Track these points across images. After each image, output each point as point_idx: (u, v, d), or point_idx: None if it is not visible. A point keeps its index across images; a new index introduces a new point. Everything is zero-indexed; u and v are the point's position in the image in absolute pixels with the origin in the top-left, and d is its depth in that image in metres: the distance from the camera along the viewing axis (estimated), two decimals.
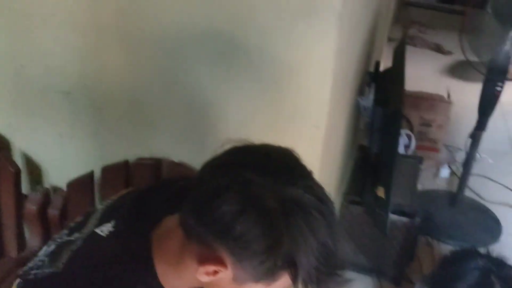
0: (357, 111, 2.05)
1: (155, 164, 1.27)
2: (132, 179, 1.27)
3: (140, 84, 1.30)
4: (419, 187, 2.76)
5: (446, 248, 2.36)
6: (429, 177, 2.92)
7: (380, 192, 1.81)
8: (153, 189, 0.96)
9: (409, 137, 2.74)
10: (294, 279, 0.74)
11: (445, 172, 2.89)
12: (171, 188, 0.95)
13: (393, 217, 2.01)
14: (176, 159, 1.26)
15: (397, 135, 1.65)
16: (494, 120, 2.36)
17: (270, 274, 0.74)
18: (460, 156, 2.95)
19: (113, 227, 0.86)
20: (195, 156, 0.75)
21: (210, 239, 0.74)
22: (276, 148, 0.79)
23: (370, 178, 1.97)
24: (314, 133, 1.13)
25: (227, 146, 0.78)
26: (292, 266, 0.73)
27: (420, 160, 2.38)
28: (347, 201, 2.03)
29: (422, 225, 2.43)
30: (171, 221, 0.85)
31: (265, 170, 0.73)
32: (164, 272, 0.83)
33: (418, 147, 3.03)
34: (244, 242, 0.71)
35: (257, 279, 0.76)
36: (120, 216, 0.89)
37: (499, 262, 1.17)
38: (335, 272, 0.76)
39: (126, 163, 1.27)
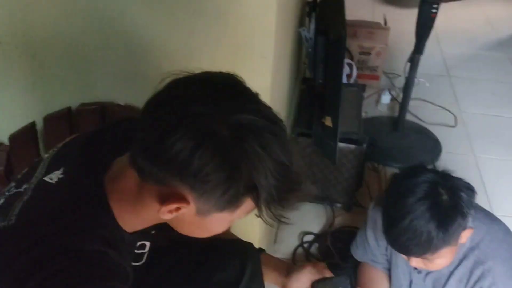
0: (299, 42, 2.04)
1: (99, 109, 1.23)
2: (77, 126, 1.22)
3: (74, 27, 1.22)
4: (363, 114, 2.83)
5: (391, 171, 2.46)
6: (371, 105, 2.99)
7: (327, 121, 1.83)
8: (99, 132, 0.93)
9: (350, 66, 2.77)
10: (257, 202, 0.75)
11: (386, 98, 2.97)
12: (117, 130, 0.92)
13: (340, 145, 2.05)
14: (122, 102, 1.22)
15: (341, 62, 1.65)
16: (429, 45, 2.41)
17: (233, 201, 0.75)
18: (400, 82, 3.03)
19: (62, 173, 0.83)
20: (141, 97, 0.72)
21: (167, 178, 0.73)
22: (218, 74, 0.77)
23: (317, 109, 1.98)
24: (262, 64, 1.12)
25: (168, 80, 0.76)
26: (253, 190, 0.73)
27: (362, 88, 2.42)
28: (295, 133, 2.05)
29: (367, 151, 2.51)
30: (122, 163, 0.83)
31: (211, 100, 0.72)
32: (121, 213, 0.82)
33: (359, 76, 3.08)
34: (203, 176, 0.71)
35: (221, 209, 0.76)
36: (68, 162, 0.86)
37: (445, 175, 1.22)
38: (294, 187, 0.77)
39: (69, 110, 1.21)
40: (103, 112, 1.23)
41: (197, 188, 0.72)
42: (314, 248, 2.03)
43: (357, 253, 1.62)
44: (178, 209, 0.76)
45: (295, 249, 2.01)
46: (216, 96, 0.73)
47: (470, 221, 1.29)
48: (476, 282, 1.32)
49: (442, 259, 1.24)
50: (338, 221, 2.14)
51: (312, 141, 1.99)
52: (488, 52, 3.82)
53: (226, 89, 0.75)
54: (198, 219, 0.78)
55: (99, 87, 1.28)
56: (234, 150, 0.71)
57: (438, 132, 2.76)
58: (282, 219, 0.79)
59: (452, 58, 3.65)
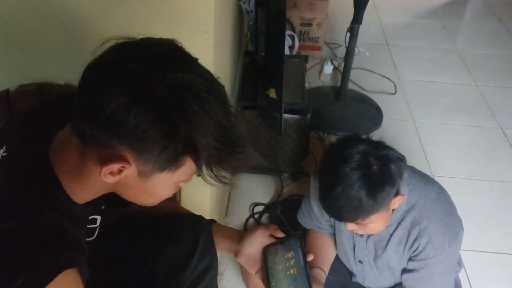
0: (240, 16, 2.04)
1: (39, 89, 1.19)
2: (16, 108, 1.19)
3: (8, 9, 1.17)
4: (306, 85, 2.87)
5: (335, 139, 2.52)
6: (314, 75, 3.04)
7: (272, 93, 1.86)
8: (39, 108, 0.92)
9: (292, 37, 2.79)
10: (197, 162, 0.76)
11: (328, 68, 3.02)
12: (58, 105, 0.91)
13: (285, 116, 2.08)
14: (61, 82, 1.19)
15: (282, 34, 1.67)
16: (368, 15, 2.47)
17: (173, 160, 0.75)
18: (341, 52, 3.09)
19: (5, 151, 0.82)
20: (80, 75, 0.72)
21: (106, 138, 0.73)
22: (158, 39, 0.78)
23: (261, 82, 2.00)
24: (204, 38, 1.12)
25: (109, 45, 0.76)
26: (193, 150, 0.75)
27: (305, 58, 2.45)
28: (240, 107, 2.07)
29: (312, 121, 2.56)
30: (64, 134, 0.83)
31: (150, 60, 0.73)
32: (69, 184, 0.82)
33: (301, 47, 3.12)
34: (140, 133, 0.71)
35: (161, 169, 0.77)
36: (10, 139, 0.85)
37: (377, 145, 1.27)
38: (235, 150, 0.79)
39: (6, 92, 1.17)
40: (42, 92, 1.20)
41: (136, 147, 0.73)
42: (264, 218, 2.08)
43: (303, 220, 1.67)
44: (120, 171, 0.76)
45: (246, 220, 2.05)
46: (154, 57, 0.74)
47: (404, 186, 1.36)
48: (414, 241, 1.39)
49: (374, 224, 1.30)
50: (287, 190, 2.19)
51: (257, 114, 2.02)
52: (424, 20, 3.95)
53: (165, 52, 0.76)
54: (142, 182, 0.79)
55: (38, 68, 1.24)
56: (171, 108, 0.71)
57: (379, 100, 2.84)
58: (224, 180, 0.81)
59: (390, 27, 3.75)
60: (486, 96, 2.98)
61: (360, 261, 1.54)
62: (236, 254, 1.13)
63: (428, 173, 2.31)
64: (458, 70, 3.24)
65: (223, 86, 0.80)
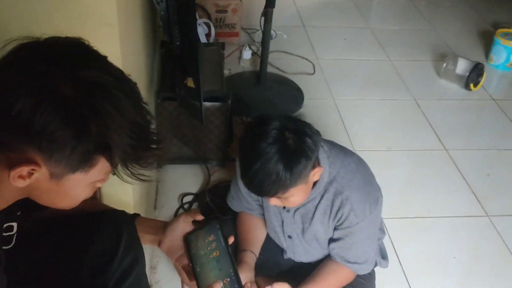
0: (151, 6, 2.00)
1: None
2: None
3: None
4: (227, 72, 2.89)
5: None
6: (234, 61, 3.05)
7: (190, 82, 1.85)
8: None
9: (207, 25, 2.78)
10: (111, 161, 0.76)
11: (247, 54, 3.04)
12: None
13: (206, 104, 2.09)
14: None
15: (193, 22, 1.66)
16: None
17: (85, 160, 0.75)
18: (259, 36, 3.11)
19: None
20: None
21: (14, 141, 0.71)
22: (63, 38, 0.76)
23: (178, 71, 1.99)
24: (108, 31, 1.09)
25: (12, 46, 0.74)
26: (105, 149, 0.74)
27: (222, 45, 2.45)
28: (160, 98, 2.05)
29: (234, 107, 2.58)
30: None
31: (55, 60, 0.71)
32: None
33: (218, 34, 3.11)
34: (48, 134, 0.70)
35: (74, 169, 0.75)
36: None
37: (292, 121, 1.31)
38: (151, 146, 0.79)
39: None
40: None
41: (45, 148, 0.72)
42: (194, 207, 2.08)
43: (233, 204, 1.69)
44: (30, 174, 0.74)
45: (176, 211, 2.05)
46: (60, 57, 0.72)
47: (325, 159, 1.42)
48: (337, 211, 1.45)
49: (295, 197, 1.34)
50: (215, 177, 2.20)
51: (178, 104, 2.01)
52: (337, 0, 4.05)
53: (71, 50, 0.75)
54: (55, 185, 0.77)
55: None
56: (80, 107, 0.70)
57: (299, 81, 2.91)
58: (142, 177, 0.81)
59: (305, 9, 3.82)
60: (399, 70, 3.11)
61: (289, 236, 1.58)
62: (159, 243, 1.13)
63: (350, 147, 2.40)
64: (372, 47, 3.36)
65: (135, 84, 0.79)
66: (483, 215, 2.14)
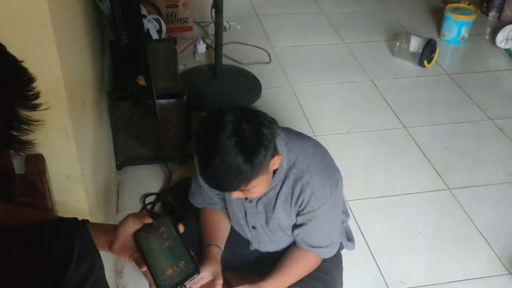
0: (95, 6, 1.94)
1: None
2: None
3: None
4: (182, 67, 2.85)
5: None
6: (189, 56, 3.01)
7: (141, 80, 1.81)
8: None
9: (158, 21, 2.73)
10: None
11: (201, 47, 3.00)
12: None
13: (161, 101, 2.05)
14: None
15: (139, 17, 1.62)
16: None
17: None
18: (212, 29, 3.08)
19: None
20: None
21: None
22: None
23: (129, 70, 1.94)
24: (42, 33, 1.05)
25: None
26: None
27: (174, 40, 2.41)
28: (112, 99, 2.00)
29: (191, 102, 2.55)
30: None
31: None
32: None
33: (171, 30, 3.06)
34: None
35: None
36: None
37: (248, 112, 1.29)
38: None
39: None
40: None
41: None
42: (157, 207, 2.05)
43: (195, 200, 1.66)
44: None
45: None
46: None
47: (282, 146, 1.41)
48: (298, 196, 1.45)
49: (257, 188, 1.33)
50: (176, 175, 2.16)
51: (131, 103, 1.96)
52: None
53: None
54: None
55: None
56: None
57: (256, 71, 2.89)
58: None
59: None
60: (355, 52, 3.13)
61: (254, 227, 1.57)
62: (110, 246, 1.09)
63: (310, 134, 2.42)
64: (327, 31, 3.36)
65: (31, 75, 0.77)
66: (444, 189, 2.18)
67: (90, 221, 1.15)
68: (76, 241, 1.04)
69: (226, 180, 1.24)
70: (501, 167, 2.29)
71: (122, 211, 2.02)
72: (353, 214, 2.03)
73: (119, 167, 2.18)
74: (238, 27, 3.30)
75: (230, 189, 1.29)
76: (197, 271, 1.05)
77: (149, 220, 1.10)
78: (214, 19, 2.58)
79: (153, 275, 1.04)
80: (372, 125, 2.53)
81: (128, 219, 1.10)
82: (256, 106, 1.34)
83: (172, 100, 2.08)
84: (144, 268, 1.06)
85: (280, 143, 1.41)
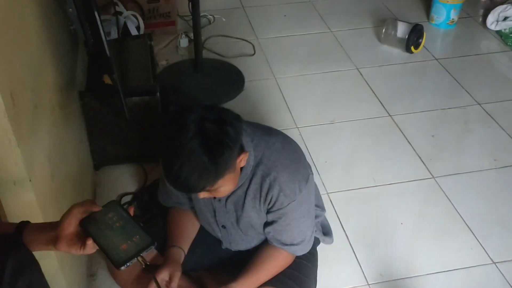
0: (58, 6, 1.90)
1: None
2: None
3: None
4: (164, 63, 2.81)
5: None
6: (173, 51, 2.97)
7: (107, 79, 1.77)
8: None
9: (136, 17, 2.69)
10: None
11: (184, 42, 2.96)
12: None
13: (134, 99, 2.02)
14: None
15: (94, 15, 1.57)
16: None
17: None
18: None
19: None
20: None
21: None
22: None
23: (97, 69, 1.91)
24: None
25: None
26: None
27: (149, 36, 2.37)
28: (84, 98, 1.97)
29: (172, 98, 2.52)
30: None
31: None
32: None
33: (154, 25, 3.03)
34: None
35: None
36: None
37: (211, 109, 1.25)
38: None
39: None
40: None
41: None
42: (134, 207, 2.01)
43: (163, 199, 1.64)
44: None
45: None
46: None
47: (249, 142, 1.37)
48: (266, 193, 1.41)
49: (224, 187, 1.30)
50: (153, 175, 2.13)
51: (101, 103, 1.93)
52: None
53: None
54: None
55: None
56: None
57: (240, 63, 2.84)
58: None
59: None
60: (341, 41, 3.06)
61: (224, 226, 1.54)
62: (55, 243, 1.03)
63: (293, 126, 2.38)
64: (313, 20, 3.30)
65: None
66: (428, 177, 2.13)
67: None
68: (8, 260, 0.98)
69: (192, 182, 1.20)
70: (487, 153, 2.24)
71: None
72: (333, 207, 1.99)
73: (97, 167, 2.16)
74: (223, 19, 3.25)
75: (195, 190, 1.26)
76: (152, 243, 1.00)
77: (97, 208, 1.04)
78: (191, 12, 2.53)
79: (106, 251, 0.99)
80: (356, 114, 2.48)
81: (72, 210, 1.02)
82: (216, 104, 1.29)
83: (145, 98, 2.04)
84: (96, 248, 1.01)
85: (246, 139, 1.37)
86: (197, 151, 1.17)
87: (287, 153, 1.45)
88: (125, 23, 2.56)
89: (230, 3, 3.51)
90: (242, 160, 1.32)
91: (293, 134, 2.32)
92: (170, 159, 1.20)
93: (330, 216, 1.88)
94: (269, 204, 1.43)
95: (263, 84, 2.71)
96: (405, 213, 1.98)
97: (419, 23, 2.92)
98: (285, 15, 3.36)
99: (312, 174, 1.51)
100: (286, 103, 2.56)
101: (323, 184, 2.08)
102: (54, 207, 1.41)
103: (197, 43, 2.62)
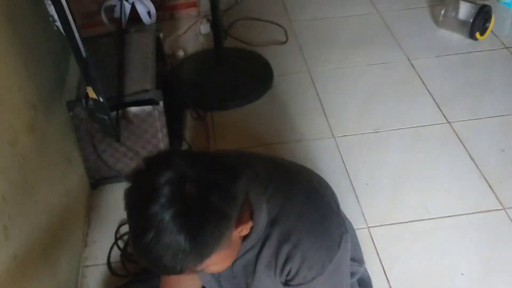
0: (40, 13, 1.55)
1: None
2: None
3: None
4: (181, 54, 2.44)
5: (220, 116, 2.12)
6: (192, 39, 2.58)
7: (91, 92, 1.42)
8: None
9: (141, 2, 2.29)
10: None
11: (205, 28, 2.56)
12: None
13: (133, 110, 1.67)
14: None
15: (62, 10, 1.20)
16: None
17: None
18: (223, 4, 2.64)
19: None
20: None
21: None
22: None
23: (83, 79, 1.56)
24: None
25: None
26: None
27: (157, 27, 1.99)
28: (73, 109, 1.63)
29: (189, 97, 2.17)
30: None
31: None
32: None
33: (172, 8, 2.65)
34: None
35: None
36: None
37: (196, 161, 0.88)
38: None
39: None
40: None
41: None
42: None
43: None
44: None
45: (110, 250, 1.65)
46: None
47: (256, 197, 1.00)
48: (284, 264, 1.05)
49: (217, 266, 0.94)
50: None
51: (89, 118, 1.58)
52: None
53: None
54: None
55: None
56: None
57: (269, 53, 2.43)
58: None
59: None
60: (389, 24, 2.59)
61: None
62: None
63: (328, 134, 1.97)
64: None
65: None
66: (498, 209, 1.69)
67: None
68: None
69: (166, 263, 0.84)
70: None
71: (91, 245, 1.67)
72: (375, 246, 1.60)
73: (94, 186, 1.83)
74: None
75: (173, 272, 0.90)
76: None
77: None
78: None
79: None
80: (407, 120, 2.04)
81: None
82: (208, 152, 0.92)
83: (147, 108, 1.68)
84: None
85: (257, 189, 1.01)
86: (169, 227, 0.81)
87: (313, 208, 1.08)
88: (133, 8, 2.17)
89: None
90: (244, 230, 0.95)
91: (329, 145, 1.92)
92: (138, 227, 0.84)
93: (370, 262, 1.50)
94: (287, 275, 1.07)
95: (295, 79, 2.29)
96: (467, 258, 1.56)
97: (486, 2, 2.42)
98: None
99: (347, 232, 1.12)
100: (321, 104, 2.14)
101: (362, 214, 1.69)
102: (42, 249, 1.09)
103: (216, 29, 2.22)
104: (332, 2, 2.80)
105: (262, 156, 1.22)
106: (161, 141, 1.77)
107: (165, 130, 1.75)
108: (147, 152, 1.76)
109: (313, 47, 2.47)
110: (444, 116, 2.04)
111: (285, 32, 2.58)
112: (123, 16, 2.00)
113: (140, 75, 1.75)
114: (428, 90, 2.17)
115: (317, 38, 2.53)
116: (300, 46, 2.48)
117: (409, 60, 2.35)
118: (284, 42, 2.52)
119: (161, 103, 1.68)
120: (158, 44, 1.96)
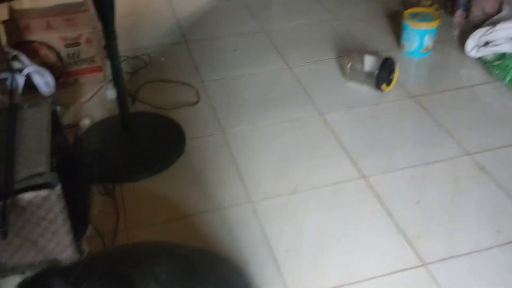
0: None
1: None
2: None
3: None
4: (87, 122, 2.31)
5: (130, 187, 1.99)
6: (99, 105, 2.46)
7: None
8: None
9: (39, 73, 2.16)
10: None
11: (111, 93, 2.45)
12: None
13: (27, 196, 1.51)
14: None
15: None
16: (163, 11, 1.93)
17: None
18: (128, 65, 2.56)
19: None
20: None
21: None
22: None
23: None
24: None
25: None
26: None
27: (52, 100, 1.85)
28: None
29: (95, 170, 2.02)
30: None
31: None
32: None
33: (77, 73, 2.53)
34: None
35: None
36: None
37: (79, 273, 0.77)
38: None
39: None
40: None
41: None
42: None
43: None
44: None
45: None
46: None
47: None
48: None
49: None
50: None
51: None
52: (226, 1, 3.50)
53: None
54: None
55: None
56: None
57: (181, 116, 2.36)
58: None
59: (188, 19, 3.25)
60: (301, 78, 2.61)
61: None
62: None
63: (245, 200, 1.90)
64: (268, 54, 2.84)
65: None
66: (417, 265, 1.66)
67: None
68: None
69: None
70: (486, 223, 1.79)
71: None
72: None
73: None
74: (162, 59, 2.77)
75: None
76: None
77: None
78: (107, 55, 2.03)
79: None
80: (323, 178, 2.01)
81: None
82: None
83: (42, 192, 1.53)
84: None
85: None
86: None
87: None
88: (28, 80, 2.03)
89: (170, 38, 3.03)
90: None
91: (246, 212, 1.85)
92: None
93: None
94: None
95: (209, 142, 2.22)
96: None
97: (389, 51, 2.51)
98: (235, 50, 2.90)
99: None
100: (237, 167, 2.07)
101: (285, 283, 1.61)
102: None
103: (120, 96, 2.12)
104: (244, 59, 2.79)
105: (167, 250, 1.12)
106: (62, 226, 1.61)
107: (65, 214, 1.60)
108: (45, 240, 1.60)
109: (226, 106, 2.42)
110: (360, 171, 2.03)
111: (197, 92, 2.52)
112: (14, 90, 1.85)
113: (33, 157, 1.60)
114: (342, 144, 2.17)
115: (230, 97, 2.49)
116: (212, 107, 2.43)
117: (321, 115, 2.35)
118: (196, 103, 2.46)
119: (58, 186, 1.54)
120: (55, 118, 1.82)
